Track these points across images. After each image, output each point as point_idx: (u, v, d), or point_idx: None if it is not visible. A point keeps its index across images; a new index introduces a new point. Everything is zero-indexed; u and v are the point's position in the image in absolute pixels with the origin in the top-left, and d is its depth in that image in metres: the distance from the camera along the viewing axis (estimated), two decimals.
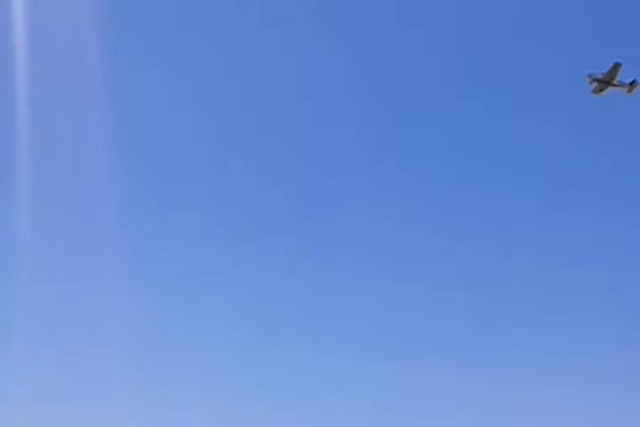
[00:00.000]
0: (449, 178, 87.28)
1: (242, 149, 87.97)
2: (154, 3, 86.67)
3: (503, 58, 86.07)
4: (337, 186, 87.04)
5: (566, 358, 76.40)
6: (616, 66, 67.37)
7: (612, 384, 75.08)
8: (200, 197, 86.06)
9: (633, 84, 68.87)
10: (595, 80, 68.77)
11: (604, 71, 69.29)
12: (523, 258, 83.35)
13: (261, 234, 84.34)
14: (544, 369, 76.02)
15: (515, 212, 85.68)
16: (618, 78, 68.43)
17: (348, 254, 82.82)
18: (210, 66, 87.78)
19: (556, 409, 73.85)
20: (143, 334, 75.82)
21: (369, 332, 79.08)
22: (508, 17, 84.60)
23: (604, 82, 68.15)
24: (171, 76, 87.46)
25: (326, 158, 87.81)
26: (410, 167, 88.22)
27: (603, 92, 69.97)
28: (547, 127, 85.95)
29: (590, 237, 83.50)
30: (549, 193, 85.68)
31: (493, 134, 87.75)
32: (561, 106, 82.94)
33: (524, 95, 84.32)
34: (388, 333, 79.59)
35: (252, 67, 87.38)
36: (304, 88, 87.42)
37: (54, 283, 78.28)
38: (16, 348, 72.19)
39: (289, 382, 76.62)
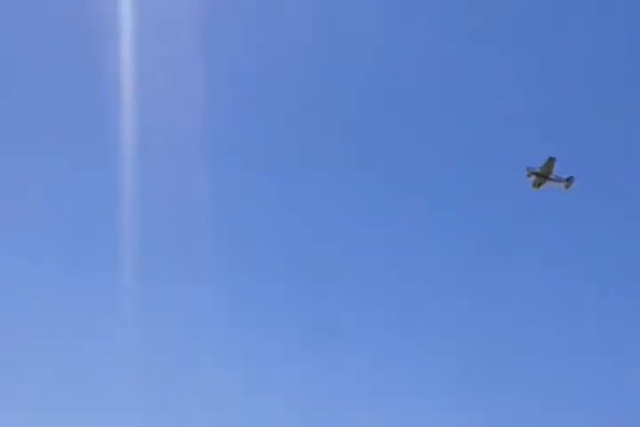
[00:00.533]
0: None
1: None
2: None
3: None
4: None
5: None
6: (550, 160, 69.26)
7: None
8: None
9: (569, 179, 70.94)
10: (532, 173, 71.16)
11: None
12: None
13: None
14: None
15: None
16: (554, 173, 70.95)
17: None
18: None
19: None
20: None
21: None
22: None
23: (542, 176, 70.77)
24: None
25: None
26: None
27: (542, 187, 71.95)
28: None
29: None
30: None
31: None
32: None
33: None
34: None
35: None
36: None
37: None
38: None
39: None
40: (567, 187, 71.14)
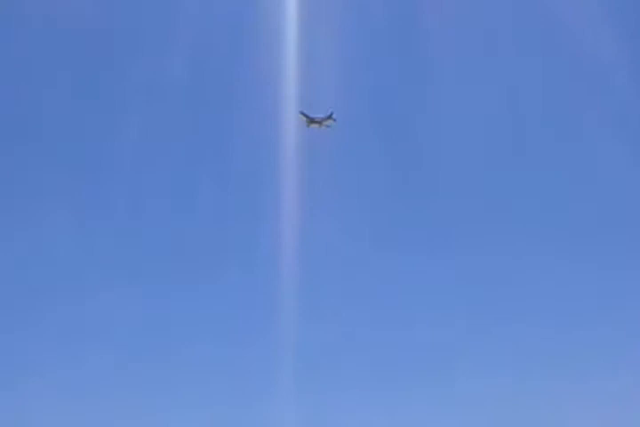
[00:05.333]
0: None
1: None
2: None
3: None
4: None
5: None
6: (300, 113, 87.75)
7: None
8: None
9: (330, 115, 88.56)
10: (309, 121, 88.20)
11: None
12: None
13: None
14: None
15: None
16: (317, 117, 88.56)
17: None
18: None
19: None
20: None
21: None
22: None
23: (312, 120, 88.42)
24: None
25: None
26: None
27: (323, 126, 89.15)
28: None
29: None
30: None
31: None
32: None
33: None
34: None
35: None
36: None
37: None
38: None
39: None
40: (334, 119, 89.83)
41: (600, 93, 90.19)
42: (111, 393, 76.79)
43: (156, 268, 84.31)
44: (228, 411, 75.99)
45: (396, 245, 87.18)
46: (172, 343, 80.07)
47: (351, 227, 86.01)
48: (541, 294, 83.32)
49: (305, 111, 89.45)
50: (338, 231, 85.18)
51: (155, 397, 77.37)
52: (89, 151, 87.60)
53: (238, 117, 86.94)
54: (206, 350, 79.75)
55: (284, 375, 75.52)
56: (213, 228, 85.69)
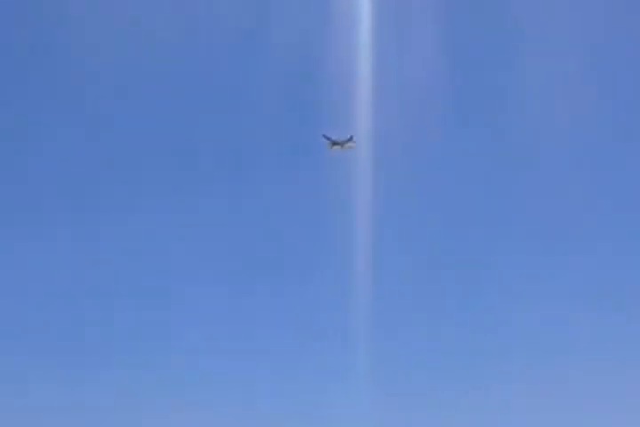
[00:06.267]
0: None
1: None
2: None
3: None
4: None
5: None
6: (324, 136, 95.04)
7: None
8: None
9: (350, 138, 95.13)
10: (331, 143, 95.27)
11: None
12: None
13: None
14: None
15: None
16: (338, 139, 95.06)
17: None
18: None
19: None
20: None
21: None
22: None
23: (334, 143, 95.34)
24: None
25: None
26: None
27: (345, 148, 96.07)
28: None
29: None
30: None
31: None
32: None
33: None
34: None
35: None
36: None
37: None
38: None
39: None
40: (354, 142, 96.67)
41: None
42: (196, 380, 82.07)
43: (242, 269, 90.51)
44: (303, 409, 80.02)
45: (467, 247, 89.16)
46: (254, 341, 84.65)
47: (424, 225, 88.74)
48: None
49: (327, 134, 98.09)
50: (411, 233, 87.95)
51: (235, 388, 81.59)
52: (175, 152, 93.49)
53: (313, 122, 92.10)
54: (285, 348, 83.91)
55: (358, 373, 78.74)
56: (292, 232, 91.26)
